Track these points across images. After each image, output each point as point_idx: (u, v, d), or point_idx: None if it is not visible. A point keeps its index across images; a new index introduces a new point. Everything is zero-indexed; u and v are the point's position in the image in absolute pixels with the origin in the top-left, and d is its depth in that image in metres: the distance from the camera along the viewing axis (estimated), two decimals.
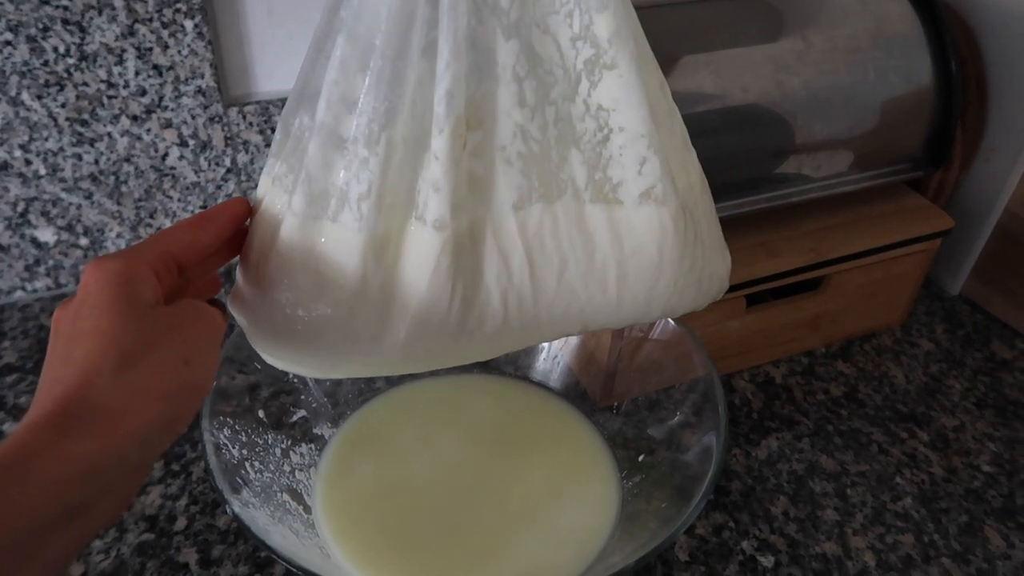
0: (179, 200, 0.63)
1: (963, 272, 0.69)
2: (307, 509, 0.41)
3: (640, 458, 0.45)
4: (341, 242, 0.31)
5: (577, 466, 0.46)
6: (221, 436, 0.37)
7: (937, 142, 0.61)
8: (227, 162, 0.63)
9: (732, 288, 0.56)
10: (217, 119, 0.60)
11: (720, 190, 0.55)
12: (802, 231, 0.59)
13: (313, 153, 0.30)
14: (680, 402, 0.46)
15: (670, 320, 0.46)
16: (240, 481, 0.36)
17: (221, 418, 0.38)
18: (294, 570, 0.31)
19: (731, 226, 0.58)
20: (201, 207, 0.64)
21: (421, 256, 0.31)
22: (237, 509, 0.33)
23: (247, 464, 0.38)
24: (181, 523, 0.47)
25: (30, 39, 0.53)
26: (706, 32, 0.55)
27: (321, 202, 0.31)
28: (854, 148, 0.58)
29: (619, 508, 0.43)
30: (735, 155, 0.55)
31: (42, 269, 0.62)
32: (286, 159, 0.33)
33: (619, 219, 0.33)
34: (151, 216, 0.63)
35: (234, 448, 0.38)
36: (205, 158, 0.62)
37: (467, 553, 0.41)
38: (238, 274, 0.34)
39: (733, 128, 0.55)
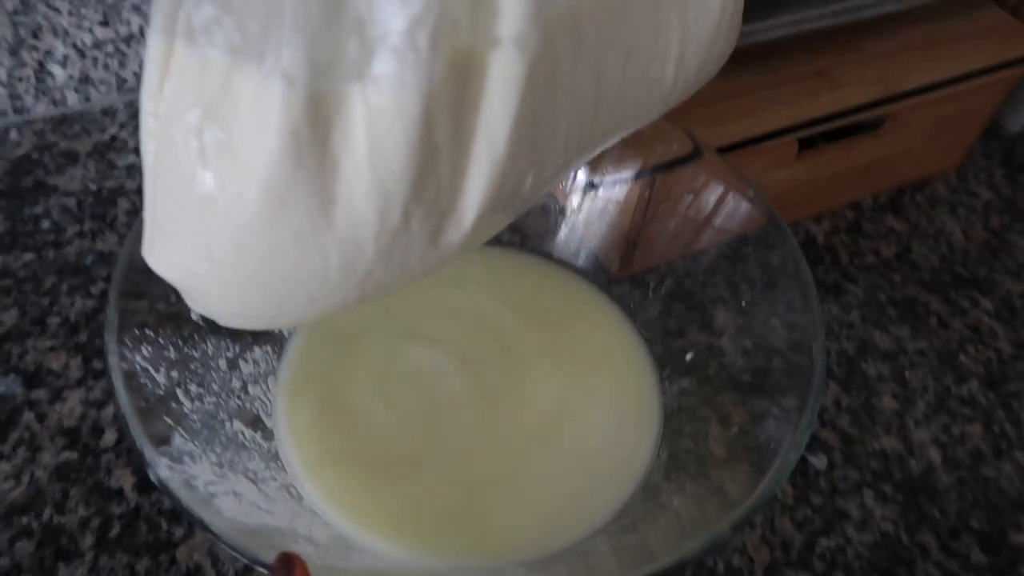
0: (70, 14, 0.48)
1: None
2: (267, 435, 0.32)
3: (688, 356, 0.36)
4: (384, 111, 0.19)
5: (604, 361, 0.37)
6: (138, 358, 0.27)
7: None
8: None
9: (784, 131, 0.45)
10: None
11: (773, 6, 0.44)
12: (866, 55, 0.48)
13: None
14: (731, 269, 0.37)
15: (717, 161, 0.36)
16: (170, 422, 0.26)
17: (137, 331, 0.27)
18: (237, 554, 0.22)
19: (785, 50, 0.47)
20: (101, 23, 0.49)
21: (498, 94, 0.20)
22: (165, 473, 0.23)
23: (179, 391, 0.28)
24: (110, 437, 0.38)
25: None
26: None
27: (334, 52, 0.18)
28: None
29: (660, 419, 0.35)
30: None
31: None
32: None
33: None
34: (34, 35, 0.48)
35: (159, 372, 0.27)
36: None
37: (479, 477, 0.32)
38: (165, 209, 0.21)
39: None
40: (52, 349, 0.41)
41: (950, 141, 0.54)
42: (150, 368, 0.27)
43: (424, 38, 0.18)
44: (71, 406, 0.39)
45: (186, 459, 0.25)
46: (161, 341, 0.28)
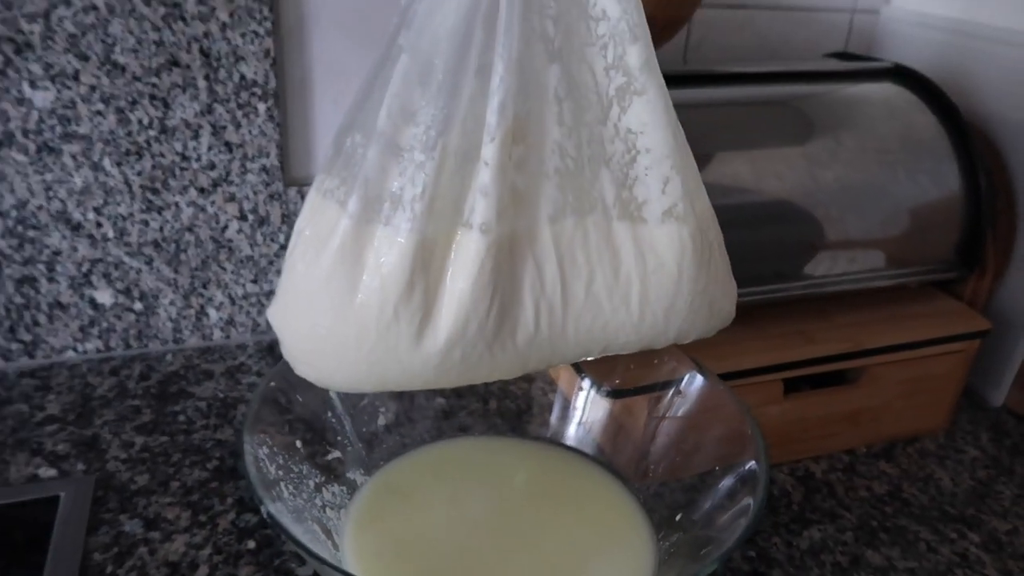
0: (232, 272, 0.66)
1: (1005, 383, 0.68)
2: (335, 547, 0.40)
3: (677, 518, 0.43)
4: (392, 244, 0.33)
5: (611, 526, 0.45)
6: (260, 452, 0.37)
7: (968, 246, 0.63)
8: (281, 239, 0.66)
9: (769, 370, 0.56)
10: (277, 197, 0.64)
11: (757, 278, 0.57)
12: (838, 323, 0.60)
13: (372, 159, 0.33)
14: (720, 486, 0.45)
15: (718, 386, 0.46)
16: (275, 495, 0.36)
17: (261, 436, 0.38)
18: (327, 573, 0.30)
19: (767, 312, 0.60)
20: (252, 281, 0.66)
21: (467, 258, 0.33)
22: (272, 510, 0.33)
23: (282, 484, 0.38)
24: (203, 571, 0.46)
25: (119, 111, 0.58)
26: (744, 131, 0.59)
27: (375, 206, 0.33)
28: (888, 246, 0.60)
29: (655, 567, 0.41)
30: (771, 245, 0.57)
31: (95, 331, 0.64)
32: (338, 173, 0.35)
33: (643, 236, 0.35)
34: (204, 286, 0.65)
35: (271, 466, 0.38)
36: (261, 233, 0.65)
37: None
38: (283, 283, 0.36)
39: (770, 220, 0.57)
40: (169, 504, 0.51)
41: (927, 402, 0.63)
42: (265, 460, 0.37)
43: (420, 207, 0.32)
44: (177, 546, 0.47)
45: (283, 517, 0.34)
46: (275, 449, 0.39)
